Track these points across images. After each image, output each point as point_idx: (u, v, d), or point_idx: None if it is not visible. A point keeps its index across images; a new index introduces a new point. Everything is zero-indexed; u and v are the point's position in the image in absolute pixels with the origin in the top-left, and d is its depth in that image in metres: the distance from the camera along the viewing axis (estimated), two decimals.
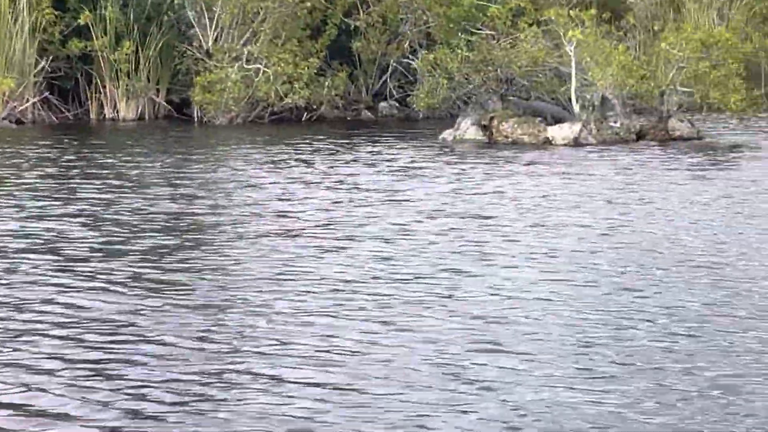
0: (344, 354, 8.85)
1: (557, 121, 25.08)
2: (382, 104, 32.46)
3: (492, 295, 10.85)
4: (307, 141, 25.08)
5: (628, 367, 8.48)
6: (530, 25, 27.35)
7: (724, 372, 8.38)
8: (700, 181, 18.99)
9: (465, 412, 7.57)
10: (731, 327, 9.64)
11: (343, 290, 11.02)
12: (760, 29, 33.94)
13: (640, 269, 11.96)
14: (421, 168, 20.67)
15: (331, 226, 14.65)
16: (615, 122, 25.39)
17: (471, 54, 25.72)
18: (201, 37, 29.70)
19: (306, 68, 29.38)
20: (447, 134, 25.76)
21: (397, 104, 32.27)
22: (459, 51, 25.91)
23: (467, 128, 25.57)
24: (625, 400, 7.77)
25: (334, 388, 8.04)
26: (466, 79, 25.68)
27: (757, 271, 11.78)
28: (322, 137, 25.91)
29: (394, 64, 31.90)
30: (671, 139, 25.50)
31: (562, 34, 25.43)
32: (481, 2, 30.00)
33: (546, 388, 8.01)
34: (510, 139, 25.00)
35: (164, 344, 9.13)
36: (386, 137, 26.08)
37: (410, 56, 31.46)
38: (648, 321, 9.82)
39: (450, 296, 10.78)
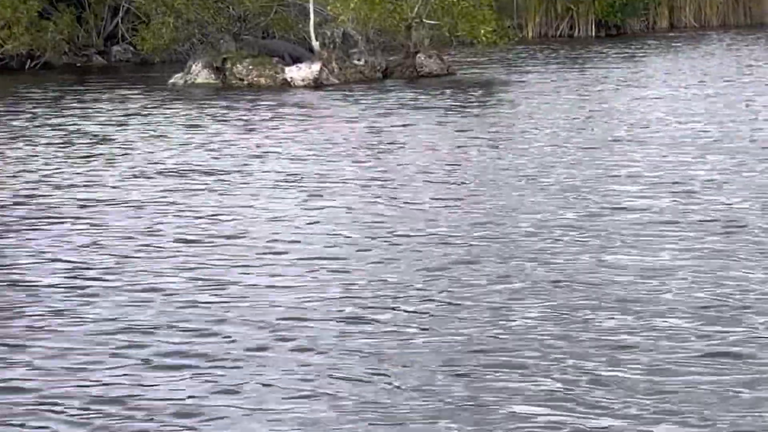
0: None
1: (296, 60, 23.01)
2: (115, 48, 29.83)
3: None
4: (24, 93, 22.52)
5: None
6: None
7: None
8: (444, 126, 17.22)
9: None
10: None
11: None
12: None
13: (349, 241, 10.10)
14: (141, 115, 18.53)
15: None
16: (359, 60, 23.49)
17: None
18: None
19: (26, 11, 26.56)
20: (177, 78, 23.44)
21: (132, 48, 29.70)
22: None
23: (199, 71, 23.29)
24: None
25: None
26: (195, 17, 23.33)
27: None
28: (39, 89, 23.27)
29: (126, 4, 29.27)
30: (420, 76, 23.71)
31: None
32: None
33: None
34: (245, 82, 22.84)
35: None
36: (112, 84, 23.65)
37: None
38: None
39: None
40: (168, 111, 19.11)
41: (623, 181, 12.05)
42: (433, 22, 23.57)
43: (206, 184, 12.62)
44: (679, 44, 31.74)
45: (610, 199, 11.10)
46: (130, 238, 10.13)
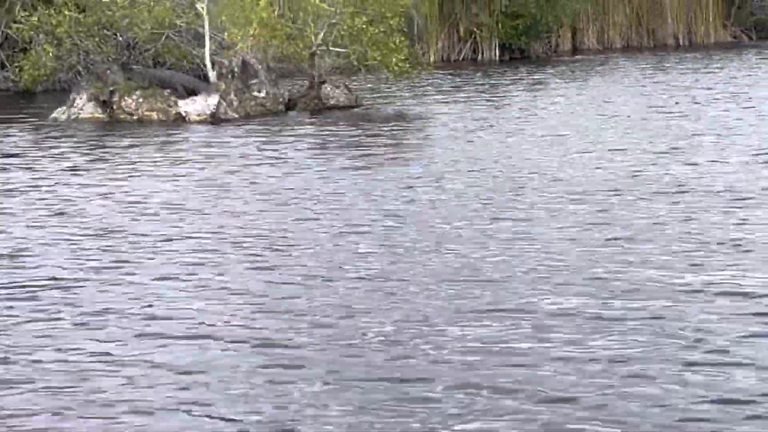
0: None
1: (191, 92, 20.98)
2: None
3: None
4: None
5: None
6: None
7: None
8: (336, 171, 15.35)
9: None
10: None
11: None
12: None
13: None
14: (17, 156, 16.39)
15: None
16: (259, 91, 21.52)
17: (82, 16, 21.14)
18: None
19: None
20: (60, 113, 21.25)
21: (12, 76, 27.38)
22: (66, 12, 21.27)
23: (83, 105, 21.13)
24: None
25: None
26: (78, 45, 21.17)
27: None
28: None
29: (5, 30, 26.93)
30: (326, 108, 21.83)
31: None
32: None
33: None
34: (135, 117, 20.74)
35: None
36: None
37: (23, 20, 26.60)
38: None
39: None
40: (41, 150, 16.98)
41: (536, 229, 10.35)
42: (340, 49, 21.69)
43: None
44: (582, 69, 30.30)
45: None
46: None
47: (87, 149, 17.24)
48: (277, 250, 10.38)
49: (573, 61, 33.68)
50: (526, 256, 9.82)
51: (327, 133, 18.42)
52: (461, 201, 12.34)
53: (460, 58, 34.50)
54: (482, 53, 34.66)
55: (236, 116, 20.65)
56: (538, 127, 18.18)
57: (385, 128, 18.79)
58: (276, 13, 22.30)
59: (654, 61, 32.15)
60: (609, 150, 15.59)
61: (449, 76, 28.28)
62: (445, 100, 22.73)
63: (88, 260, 10.18)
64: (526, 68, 30.70)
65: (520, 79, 27.55)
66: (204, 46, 21.11)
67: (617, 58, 34.35)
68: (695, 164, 14.26)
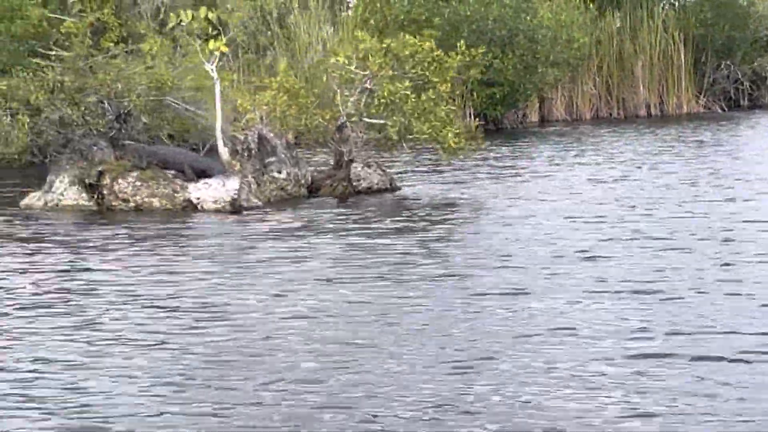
0: None
1: (200, 174, 16.99)
2: None
3: None
4: None
5: None
6: (116, 43, 18.98)
7: None
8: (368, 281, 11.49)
9: None
10: None
11: None
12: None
13: None
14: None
15: None
16: (279, 172, 17.64)
17: (66, 78, 16.98)
18: None
19: None
20: (34, 199, 17.15)
21: None
22: (47, 73, 17.07)
23: (64, 189, 17.02)
24: None
25: None
26: (60, 117, 17.04)
27: None
28: None
29: None
30: (357, 192, 17.99)
31: (198, 45, 17.35)
32: (54, 15, 21.66)
33: None
34: (131, 204, 16.71)
35: None
36: None
37: None
38: None
39: None
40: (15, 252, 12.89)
41: None
42: (375, 120, 17.87)
43: None
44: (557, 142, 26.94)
45: None
46: None
47: (89, 251, 13.18)
48: None
49: (549, 133, 30.53)
50: None
51: (375, 231, 14.60)
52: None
53: None
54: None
55: (259, 203, 16.73)
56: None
57: (437, 218, 15.06)
58: (293, 76, 18.34)
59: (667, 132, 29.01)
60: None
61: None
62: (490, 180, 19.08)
63: None
64: (510, 141, 27.31)
65: (514, 155, 24.01)
66: (215, 118, 17.11)
67: (600, 128, 31.38)
68: None
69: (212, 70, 17.25)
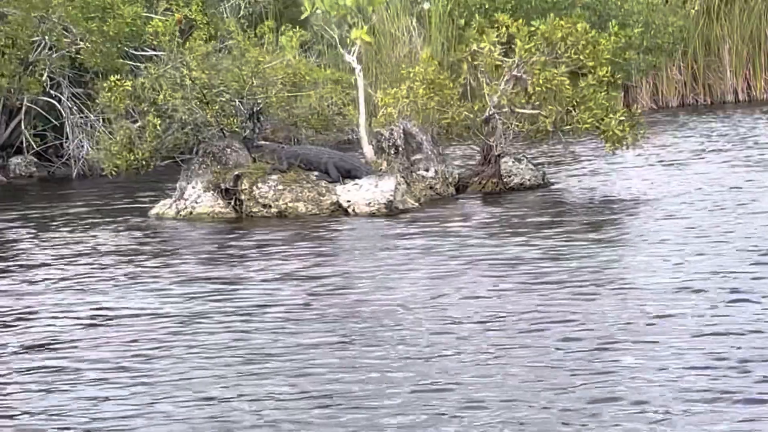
0: None
1: (346, 175, 15.50)
2: (15, 160, 21.87)
3: None
4: None
5: None
6: (206, 41, 17.44)
7: None
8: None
9: None
10: None
11: None
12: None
13: None
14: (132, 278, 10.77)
15: None
16: (426, 170, 16.17)
17: (204, 73, 15.40)
18: None
19: None
20: (165, 208, 15.70)
21: (35, 159, 21.83)
22: (183, 70, 15.51)
23: (198, 196, 15.55)
24: None
25: None
26: (191, 117, 15.52)
27: None
28: None
29: (29, 104, 21.26)
30: (507, 189, 16.50)
31: (337, 36, 15.87)
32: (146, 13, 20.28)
33: None
34: (274, 210, 15.23)
35: None
36: (24, 214, 15.93)
37: (53, 92, 20.97)
38: None
39: None
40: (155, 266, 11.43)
41: None
42: (528, 111, 16.35)
43: None
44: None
45: None
46: None
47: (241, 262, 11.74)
48: None
49: (656, 121, 28.99)
50: None
51: (554, 231, 13.12)
52: None
53: None
54: None
55: (415, 205, 15.27)
56: None
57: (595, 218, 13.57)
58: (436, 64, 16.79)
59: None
60: None
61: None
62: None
63: None
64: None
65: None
66: (358, 111, 15.64)
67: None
68: None
69: (353, 61, 15.76)
